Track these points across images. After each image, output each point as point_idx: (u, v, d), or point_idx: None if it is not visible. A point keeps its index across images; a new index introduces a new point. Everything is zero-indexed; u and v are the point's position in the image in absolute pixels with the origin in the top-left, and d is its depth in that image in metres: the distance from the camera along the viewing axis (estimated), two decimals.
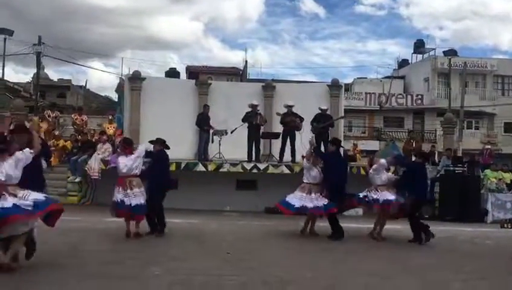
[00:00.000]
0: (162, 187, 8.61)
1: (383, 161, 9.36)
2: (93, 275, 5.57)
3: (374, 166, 9.24)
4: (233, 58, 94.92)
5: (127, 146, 8.50)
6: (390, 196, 8.92)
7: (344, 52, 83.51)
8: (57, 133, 15.65)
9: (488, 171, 14.25)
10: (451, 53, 30.25)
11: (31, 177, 5.72)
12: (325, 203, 8.70)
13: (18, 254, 5.70)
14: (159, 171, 8.59)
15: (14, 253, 5.52)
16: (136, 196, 8.11)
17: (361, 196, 9.10)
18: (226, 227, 10.02)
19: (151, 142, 8.84)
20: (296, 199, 8.87)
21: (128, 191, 8.11)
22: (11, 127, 6.98)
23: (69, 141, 14.93)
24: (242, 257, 7.08)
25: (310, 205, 8.70)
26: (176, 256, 6.89)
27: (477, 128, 34.13)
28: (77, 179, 13.32)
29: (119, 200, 8.12)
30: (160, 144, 8.78)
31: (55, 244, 7.33)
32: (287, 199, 9.01)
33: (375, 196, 8.93)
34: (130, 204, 8.04)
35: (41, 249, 6.75)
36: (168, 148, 8.89)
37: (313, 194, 8.80)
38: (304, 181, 9.04)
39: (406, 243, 8.69)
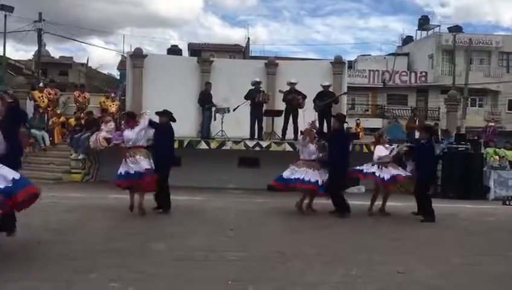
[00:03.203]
0: (166, 161, 8.48)
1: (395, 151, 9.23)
2: (97, 252, 5.64)
3: (393, 153, 9.09)
4: (234, 35, 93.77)
5: (130, 119, 8.55)
6: (396, 171, 8.94)
7: (346, 29, 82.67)
8: (58, 111, 15.64)
9: (488, 149, 14.25)
10: (456, 29, 29.87)
11: None
12: (321, 180, 8.61)
13: None
14: (162, 145, 8.49)
15: None
16: (140, 163, 7.97)
17: (367, 171, 8.99)
18: (228, 204, 10.07)
19: (157, 113, 8.71)
20: (288, 172, 8.91)
21: (131, 159, 8.02)
22: None
23: (72, 118, 14.94)
24: (244, 233, 7.16)
25: (301, 176, 8.64)
26: (179, 233, 6.95)
27: (481, 105, 33.92)
28: (80, 157, 13.35)
29: (122, 172, 8.09)
30: (167, 116, 8.67)
31: (60, 221, 7.44)
32: (282, 175, 9.01)
33: (382, 174, 8.82)
34: (135, 172, 7.93)
35: (46, 226, 6.87)
36: (174, 120, 8.78)
37: (306, 168, 8.75)
38: (301, 158, 9.04)
39: (406, 220, 8.74)
